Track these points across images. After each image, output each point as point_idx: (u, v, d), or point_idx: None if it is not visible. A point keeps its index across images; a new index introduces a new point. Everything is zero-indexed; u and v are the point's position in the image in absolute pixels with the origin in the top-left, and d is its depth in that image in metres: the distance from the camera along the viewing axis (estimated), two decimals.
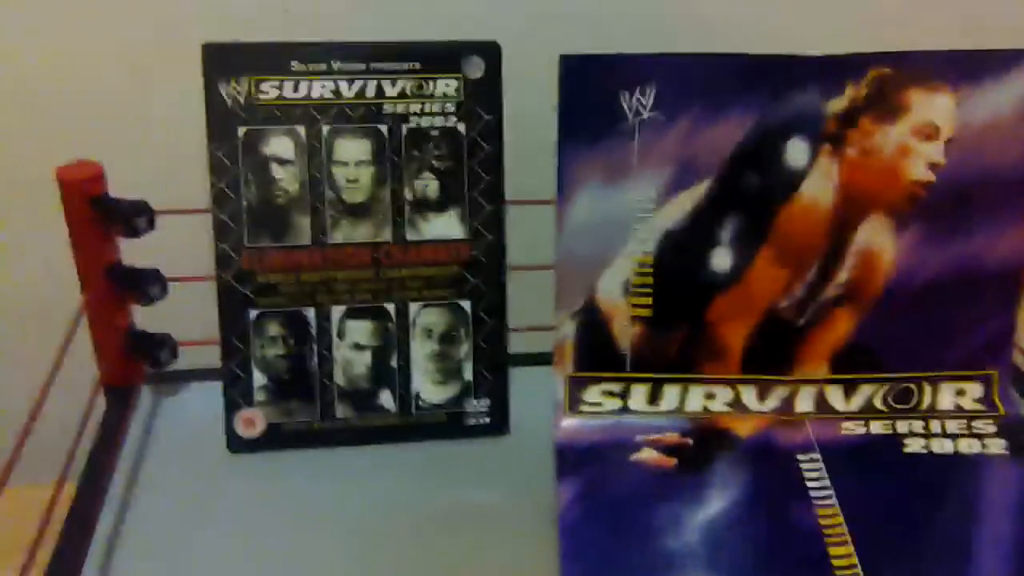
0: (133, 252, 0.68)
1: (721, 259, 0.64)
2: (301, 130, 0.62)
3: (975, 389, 0.66)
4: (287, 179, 0.63)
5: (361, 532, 0.60)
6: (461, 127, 0.63)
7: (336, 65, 0.62)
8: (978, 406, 0.66)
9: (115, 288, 0.67)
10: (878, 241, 0.64)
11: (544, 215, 0.65)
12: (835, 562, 0.56)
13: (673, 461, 0.63)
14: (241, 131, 0.62)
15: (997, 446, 0.64)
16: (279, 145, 0.62)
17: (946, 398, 0.66)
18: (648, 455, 0.63)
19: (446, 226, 0.64)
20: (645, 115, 0.62)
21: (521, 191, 0.67)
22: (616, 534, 0.58)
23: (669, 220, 0.63)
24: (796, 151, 0.62)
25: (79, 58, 0.85)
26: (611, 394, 0.66)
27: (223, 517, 0.61)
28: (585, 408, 0.65)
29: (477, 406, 0.67)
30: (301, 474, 0.64)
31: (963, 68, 0.62)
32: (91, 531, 0.60)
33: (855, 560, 0.56)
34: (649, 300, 0.65)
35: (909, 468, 0.63)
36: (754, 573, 0.56)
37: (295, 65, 0.62)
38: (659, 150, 0.62)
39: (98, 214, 0.65)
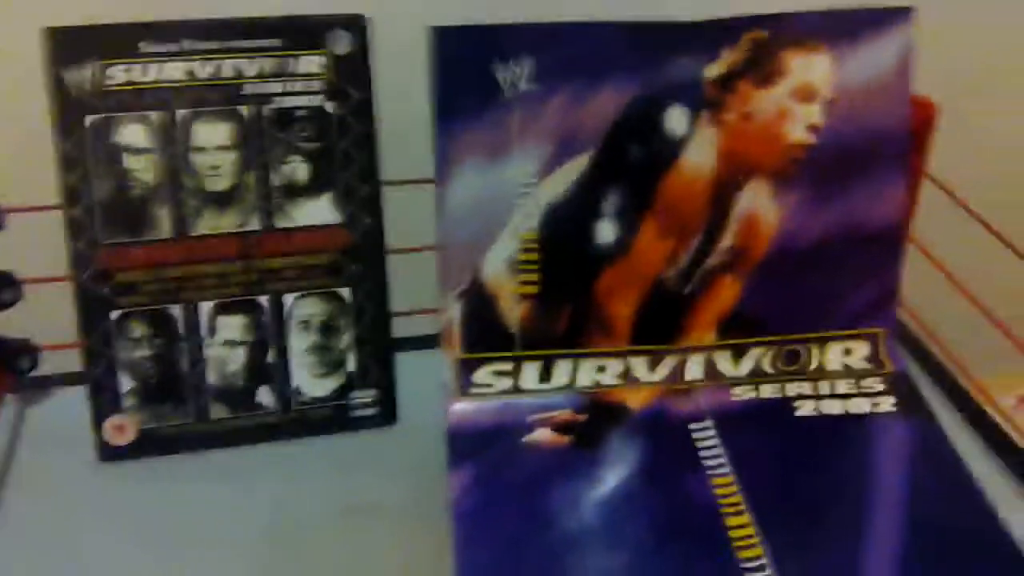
0: None
1: (606, 231, 0.63)
2: (155, 116, 0.59)
3: (862, 348, 0.67)
4: (142, 169, 0.60)
5: (247, 537, 0.58)
6: (329, 106, 0.61)
7: (189, 45, 0.59)
8: (866, 365, 0.67)
9: None
10: (760, 206, 0.64)
11: (423, 195, 0.62)
12: (732, 532, 0.56)
13: (567, 439, 0.62)
14: (89, 120, 0.59)
15: (886, 404, 0.65)
16: (131, 133, 0.59)
17: (834, 358, 0.66)
18: (542, 435, 0.62)
19: (319, 211, 0.62)
20: (522, 87, 0.61)
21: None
22: (513, 518, 0.57)
23: (552, 194, 0.62)
24: (676, 119, 0.62)
25: None
26: (501, 374, 0.65)
27: (97, 531, 0.58)
28: (475, 390, 0.64)
29: (362, 397, 0.65)
30: (179, 480, 0.62)
31: (839, 28, 0.62)
32: None
33: (752, 530, 0.56)
34: (536, 276, 0.64)
35: (801, 431, 0.63)
36: (653, 548, 0.56)
37: (144, 46, 0.58)
38: (538, 123, 0.61)
39: None
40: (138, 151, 0.59)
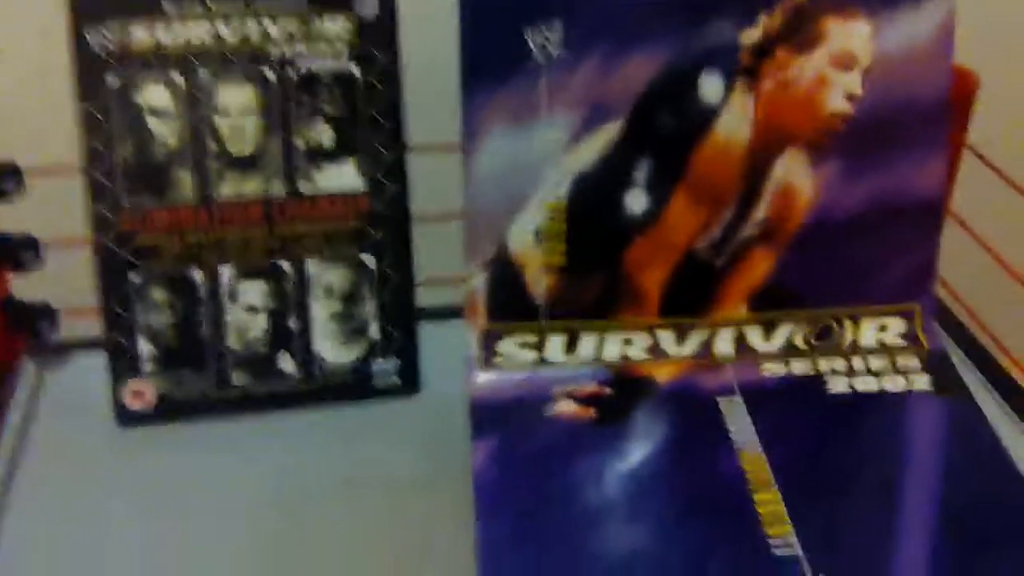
0: (3, 217, 0.64)
1: (636, 201, 0.62)
2: (178, 78, 0.58)
3: (897, 324, 0.65)
4: (166, 132, 0.59)
5: (266, 505, 0.58)
6: (355, 70, 0.60)
7: (213, 4, 0.58)
8: (901, 341, 0.65)
9: None
10: (796, 176, 0.63)
11: (450, 162, 0.61)
12: (760, 508, 0.55)
13: (592, 412, 0.61)
14: (111, 81, 0.58)
15: (922, 382, 0.64)
16: (154, 95, 0.59)
17: (868, 334, 0.65)
18: (566, 407, 0.62)
19: (343, 177, 0.61)
20: (552, 52, 0.59)
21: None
22: (535, 491, 0.56)
23: (581, 163, 0.61)
24: (710, 86, 0.61)
25: None
26: (526, 345, 0.64)
27: (116, 496, 0.58)
28: (500, 362, 0.63)
29: (385, 366, 0.64)
30: (198, 447, 0.61)
31: None
32: None
33: (781, 506, 0.55)
34: (563, 247, 0.63)
35: (833, 408, 0.62)
36: (678, 523, 0.55)
37: (167, 6, 0.57)
38: (568, 89, 0.60)
39: None
40: (161, 114, 0.59)
